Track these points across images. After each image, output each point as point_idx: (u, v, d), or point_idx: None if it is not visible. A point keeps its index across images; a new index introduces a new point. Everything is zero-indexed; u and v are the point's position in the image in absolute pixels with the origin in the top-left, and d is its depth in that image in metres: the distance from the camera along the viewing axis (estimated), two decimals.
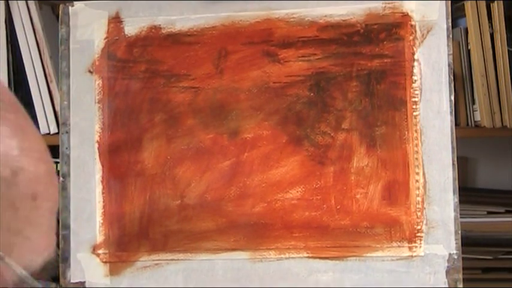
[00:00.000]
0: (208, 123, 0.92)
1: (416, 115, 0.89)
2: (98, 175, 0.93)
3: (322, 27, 0.91)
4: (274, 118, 0.91)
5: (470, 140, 1.42)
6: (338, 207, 0.90)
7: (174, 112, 0.93)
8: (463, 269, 0.88)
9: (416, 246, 0.88)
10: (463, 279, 0.87)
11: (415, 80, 0.89)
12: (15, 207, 0.36)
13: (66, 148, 0.93)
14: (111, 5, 0.94)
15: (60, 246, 0.92)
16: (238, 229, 0.91)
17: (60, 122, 0.94)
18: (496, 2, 1.15)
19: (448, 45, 0.89)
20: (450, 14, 0.90)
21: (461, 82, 1.18)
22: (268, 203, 0.91)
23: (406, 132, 0.89)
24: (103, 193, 0.92)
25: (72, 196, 0.92)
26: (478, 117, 1.17)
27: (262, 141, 0.91)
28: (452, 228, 0.88)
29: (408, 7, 0.90)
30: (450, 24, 0.89)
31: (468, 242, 1.16)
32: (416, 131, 0.89)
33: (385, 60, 0.90)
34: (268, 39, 0.92)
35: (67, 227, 0.92)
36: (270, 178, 0.91)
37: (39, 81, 1.22)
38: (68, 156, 0.93)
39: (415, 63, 0.89)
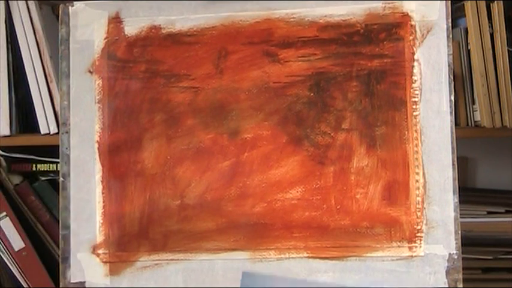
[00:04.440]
0: (208, 123, 0.92)
1: (416, 115, 0.89)
2: (98, 175, 0.93)
3: (322, 27, 0.91)
4: (274, 118, 0.91)
5: (470, 140, 1.42)
6: (338, 207, 0.90)
7: (174, 112, 0.93)
8: (463, 269, 0.88)
9: (416, 246, 0.88)
10: (463, 279, 0.88)
11: (415, 80, 0.89)
12: None
13: (66, 148, 0.93)
14: (111, 5, 0.94)
15: (60, 246, 0.93)
16: (238, 229, 0.91)
17: (60, 122, 0.94)
18: (496, 2, 1.15)
19: (448, 45, 0.89)
20: (450, 14, 0.90)
21: (461, 82, 1.18)
22: (268, 203, 0.91)
23: (406, 132, 0.89)
24: (103, 193, 0.92)
25: (72, 196, 0.92)
26: (478, 117, 1.17)
27: (262, 141, 0.91)
28: (452, 228, 0.88)
29: (408, 7, 0.90)
30: (450, 24, 0.89)
31: (468, 242, 1.16)
32: (416, 131, 0.89)
33: (385, 60, 0.90)
34: (268, 39, 0.92)
35: (67, 227, 0.92)
36: (270, 178, 0.91)
37: (39, 81, 1.22)
38: (68, 156, 0.93)
39: (415, 63, 0.89)
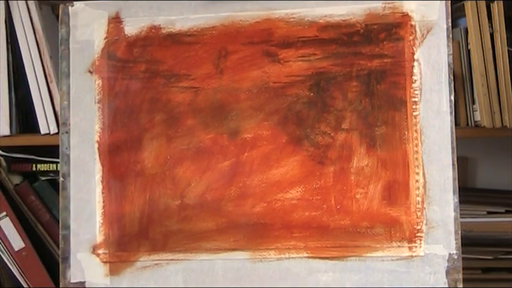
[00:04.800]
0: (208, 123, 0.92)
1: (416, 115, 0.89)
2: (98, 175, 0.93)
3: (322, 27, 0.91)
4: (274, 118, 0.91)
5: (470, 140, 1.42)
6: (338, 207, 0.90)
7: (174, 112, 0.93)
8: (463, 269, 0.88)
9: (416, 246, 0.88)
10: (463, 279, 0.88)
11: (415, 80, 0.89)
12: None
13: (66, 148, 0.93)
14: (111, 5, 0.94)
15: (60, 246, 0.93)
16: (238, 229, 0.91)
17: (60, 122, 0.94)
18: (496, 2, 1.15)
19: (448, 45, 0.89)
20: (450, 14, 0.90)
21: (461, 82, 1.18)
22: (268, 203, 0.91)
23: (406, 132, 0.89)
24: (103, 193, 0.92)
25: (72, 196, 0.92)
26: (478, 117, 1.17)
27: (262, 141, 0.91)
28: (452, 228, 0.88)
29: (408, 7, 0.90)
30: (450, 24, 0.89)
31: (468, 242, 1.16)
32: (416, 131, 0.89)
33: (385, 60, 0.90)
34: (268, 39, 0.92)
35: (67, 227, 0.92)
36: (270, 178, 0.91)
37: (39, 81, 1.22)
38: (68, 156, 0.93)
39: (415, 63, 0.89)
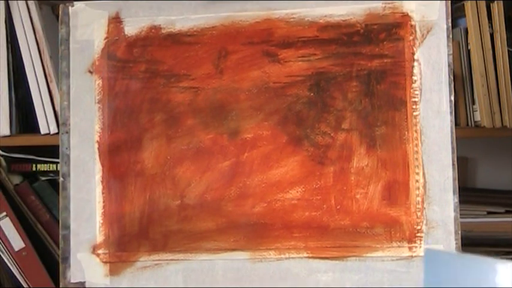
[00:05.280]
0: (208, 123, 0.92)
1: (416, 115, 0.89)
2: (98, 175, 0.93)
3: (322, 27, 0.91)
4: (274, 118, 0.91)
5: (470, 140, 1.42)
6: (338, 207, 0.90)
7: (174, 112, 0.93)
8: None
9: (416, 246, 0.88)
10: None
11: (415, 80, 0.89)
12: None
13: (66, 148, 0.93)
14: (111, 5, 0.94)
15: (60, 246, 0.93)
16: (238, 229, 0.91)
17: (60, 122, 0.94)
18: (496, 2, 1.15)
19: (448, 45, 0.89)
20: (450, 14, 0.90)
21: (461, 82, 1.18)
22: (268, 203, 0.91)
23: (406, 132, 0.89)
24: (103, 193, 0.92)
25: (72, 196, 0.92)
26: (478, 117, 1.17)
27: (262, 141, 0.91)
28: (452, 228, 0.88)
29: (408, 7, 0.90)
30: (450, 24, 0.89)
31: (468, 242, 1.16)
32: (416, 131, 0.89)
33: (385, 60, 0.90)
34: (268, 39, 0.92)
35: (67, 227, 0.92)
36: (270, 178, 0.91)
37: (39, 81, 1.22)
38: (68, 156, 0.93)
39: (415, 63, 0.89)
